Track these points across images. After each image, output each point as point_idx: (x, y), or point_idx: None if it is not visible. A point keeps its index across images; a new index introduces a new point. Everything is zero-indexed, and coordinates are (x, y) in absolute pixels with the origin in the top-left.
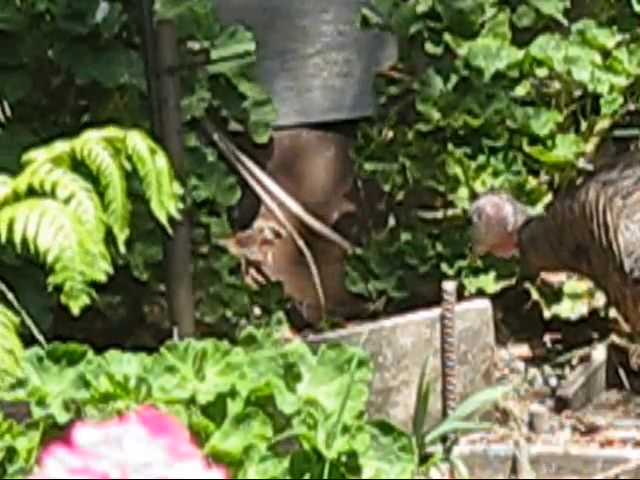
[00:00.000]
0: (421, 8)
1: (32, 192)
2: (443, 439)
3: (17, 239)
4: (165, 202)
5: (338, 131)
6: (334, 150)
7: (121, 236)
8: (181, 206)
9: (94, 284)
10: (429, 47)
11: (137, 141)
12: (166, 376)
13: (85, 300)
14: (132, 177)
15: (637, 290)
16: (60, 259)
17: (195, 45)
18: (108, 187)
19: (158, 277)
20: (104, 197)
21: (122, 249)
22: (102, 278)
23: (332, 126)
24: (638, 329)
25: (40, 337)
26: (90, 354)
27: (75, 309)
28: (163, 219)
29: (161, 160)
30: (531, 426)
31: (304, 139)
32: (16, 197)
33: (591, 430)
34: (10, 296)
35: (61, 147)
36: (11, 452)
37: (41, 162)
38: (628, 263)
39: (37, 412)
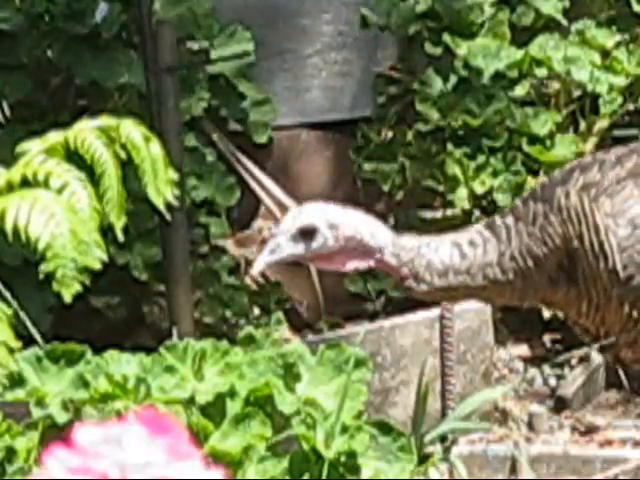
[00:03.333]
0: (420, 8)
1: (26, 183)
2: (442, 439)
3: (8, 228)
4: (161, 188)
5: (337, 131)
6: (333, 150)
7: (118, 224)
8: (177, 192)
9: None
10: (428, 47)
11: (131, 129)
12: (165, 376)
13: (77, 287)
14: (130, 177)
15: (628, 287)
16: (51, 246)
17: (194, 45)
18: (103, 176)
19: (157, 277)
20: (99, 186)
21: (120, 237)
22: (96, 266)
23: (331, 126)
24: (612, 332)
25: (38, 337)
26: (89, 354)
27: (67, 297)
28: (160, 205)
29: (155, 147)
30: (530, 426)
31: (303, 139)
32: (10, 188)
33: (590, 430)
34: (8, 296)
35: (55, 137)
36: (10, 452)
37: (35, 153)
38: (620, 260)
39: (36, 412)
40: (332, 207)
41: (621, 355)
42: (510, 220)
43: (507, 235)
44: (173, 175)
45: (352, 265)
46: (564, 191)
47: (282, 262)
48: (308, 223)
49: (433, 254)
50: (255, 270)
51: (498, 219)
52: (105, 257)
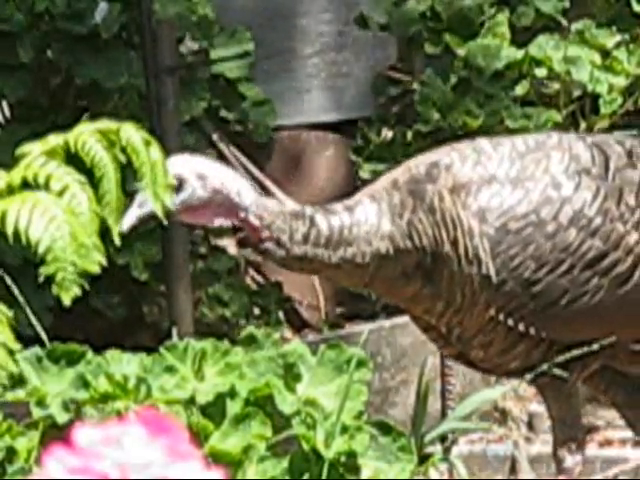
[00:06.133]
0: (420, 8)
1: (26, 185)
2: (442, 439)
3: (9, 231)
4: (160, 193)
5: (338, 131)
6: (334, 150)
7: (115, 228)
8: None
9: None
10: (428, 47)
11: (131, 133)
12: (165, 376)
13: (76, 291)
14: (130, 178)
15: (500, 293)
16: (51, 250)
17: (194, 45)
18: (102, 179)
19: (158, 277)
20: (98, 189)
21: (117, 241)
22: (95, 269)
23: (332, 126)
24: (467, 334)
25: (44, 336)
26: (89, 354)
27: (66, 300)
28: (159, 210)
29: (155, 152)
30: (530, 426)
31: (303, 139)
32: (10, 190)
33: (590, 430)
34: (15, 292)
35: (55, 140)
36: (11, 452)
37: (35, 155)
38: (494, 266)
39: (37, 412)
40: (200, 159)
41: (471, 355)
42: (373, 207)
43: (376, 218)
44: (172, 180)
45: (218, 221)
46: (436, 192)
47: (152, 215)
48: (176, 173)
49: (294, 222)
50: (125, 225)
51: (365, 200)
52: (104, 261)
